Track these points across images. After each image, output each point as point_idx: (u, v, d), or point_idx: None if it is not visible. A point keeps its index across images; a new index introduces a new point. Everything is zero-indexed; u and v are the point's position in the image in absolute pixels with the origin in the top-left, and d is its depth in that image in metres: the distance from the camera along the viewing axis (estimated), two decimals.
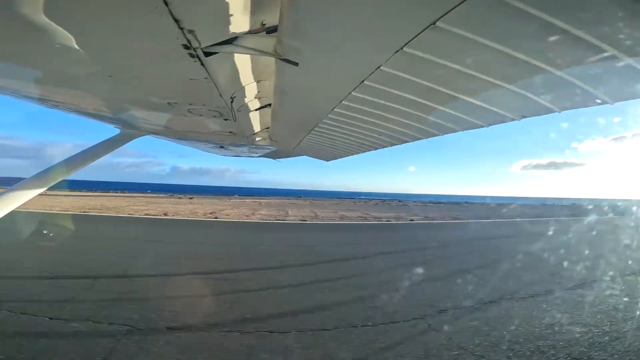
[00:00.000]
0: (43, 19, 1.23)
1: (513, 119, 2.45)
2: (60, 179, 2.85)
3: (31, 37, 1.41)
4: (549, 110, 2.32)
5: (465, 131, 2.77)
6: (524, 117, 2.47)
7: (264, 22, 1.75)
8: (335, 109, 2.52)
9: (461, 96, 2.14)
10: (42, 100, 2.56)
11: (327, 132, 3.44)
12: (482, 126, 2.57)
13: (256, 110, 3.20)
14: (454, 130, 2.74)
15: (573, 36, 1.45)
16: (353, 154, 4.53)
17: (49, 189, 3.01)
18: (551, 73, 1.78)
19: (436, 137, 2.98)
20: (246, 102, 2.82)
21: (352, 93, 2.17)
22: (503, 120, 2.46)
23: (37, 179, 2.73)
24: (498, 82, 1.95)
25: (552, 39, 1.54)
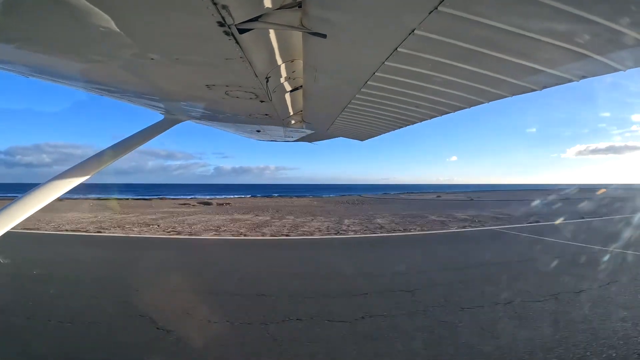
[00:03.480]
0: (86, 3, 1.33)
1: (571, 80, 2.20)
2: (110, 162, 3.16)
3: (79, 24, 1.54)
4: (614, 69, 2.05)
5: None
6: (584, 77, 2.20)
7: None
8: (368, 82, 2.45)
9: (508, 58, 1.95)
10: (92, 87, 2.81)
11: (360, 108, 3.36)
12: (535, 90, 2.34)
13: (290, 91, 3.22)
14: (502, 97, 2.53)
15: None
16: (390, 131, 4.40)
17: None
18: (615, 28, 1.56)
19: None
20: (281, 82, 2.85)
21: (386, 63, 2.09)
22: (560, 82, 2.21)
23: (89, 163, 3.05)
24: (551, 41, 1.75)
25: None
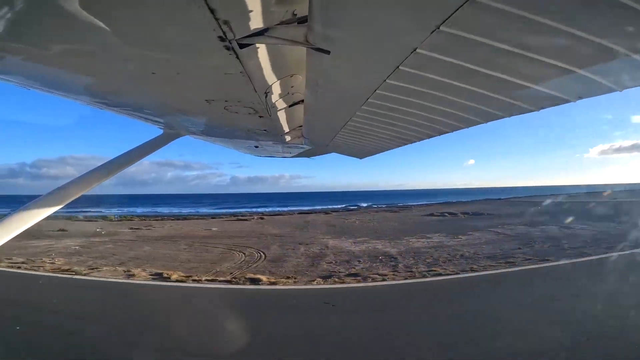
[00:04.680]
0: (89, 18, 1.32)
1: (568, 101, 2.22)
2: (111, 175, 3.13)
3: (81, 38, 1.53)
4: (610, 90, 2.08)
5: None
6: (580, 98, 2.23)
7: (295, 12, 1.75)
8: (369, 100, 2.45)
9: (508, 78, 1.97)
10: (93, 100, 2.80)
11: (360, 126, 3.37)
12: (532, 110, 2.36)
13: (290, 106, 3.23)
14: (500, 117, 2.54)
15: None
16: (388, 149, 4.40)
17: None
18: (611, 48, 1.59)
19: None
20: (280, 98, 2.85)
21: (387, 81, 2.10)
22: (556, 102, 2.23)
23: (90, 176, 3.00)
24: (549, 61, 1.77)
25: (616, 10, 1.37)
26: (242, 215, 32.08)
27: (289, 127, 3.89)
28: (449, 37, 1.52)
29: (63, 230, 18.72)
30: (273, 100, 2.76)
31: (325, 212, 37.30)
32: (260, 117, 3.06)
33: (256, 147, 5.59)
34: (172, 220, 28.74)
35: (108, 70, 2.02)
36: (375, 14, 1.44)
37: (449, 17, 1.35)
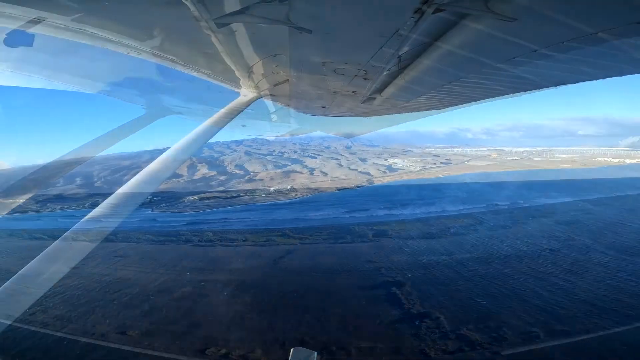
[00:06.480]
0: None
1: (547, 87, 2.27)
2: (96, 155, 3.10)
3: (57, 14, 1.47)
4: (586, 78, 2.15)
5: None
6: (560, 84, 2.28)
7: None
8: (354, 80, 2.44)
9: (485, 60, 1.99)
10: (65, 82, 2.71)
11: (348, 104, 3.37)
12: (507, 93, 2.41)
13: (274, 86, 3.19)
14: (477, 100, 2.58)
15: None
16: (375, 130, 4.42)
17: None
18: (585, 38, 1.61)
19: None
20: (263, 77, 2.81)
21: (371, 62, 2.09)
22: (539, 86, 2.28)
23: (72, 155, 2.97)
24: (527, 44, 1.78)
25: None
26: None
27: (275, 107, 3.86)
28: (433, 19, 1.51)
29: None
30: (257, 79, 2.72)
31: None
32: (245, 96, 3.02)
33: (243, 126, 5.53)
34: None
35: (84, 51, 1.95)
36: None
37: None
